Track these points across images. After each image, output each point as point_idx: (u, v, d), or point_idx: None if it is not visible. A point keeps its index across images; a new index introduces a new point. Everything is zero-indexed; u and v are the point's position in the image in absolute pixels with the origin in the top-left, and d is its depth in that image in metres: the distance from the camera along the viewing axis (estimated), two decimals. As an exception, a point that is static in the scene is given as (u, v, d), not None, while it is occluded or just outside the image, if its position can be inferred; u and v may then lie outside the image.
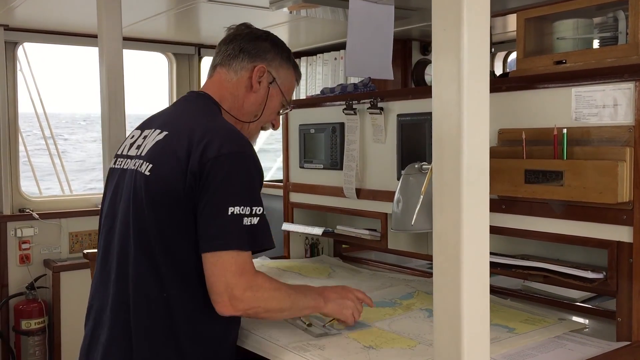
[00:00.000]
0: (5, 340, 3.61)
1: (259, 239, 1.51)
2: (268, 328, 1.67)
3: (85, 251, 2.57)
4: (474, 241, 1.04)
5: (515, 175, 1.63)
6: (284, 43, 1.86)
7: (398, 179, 1.97)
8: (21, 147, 3.88)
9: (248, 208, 1.48)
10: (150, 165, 1.56)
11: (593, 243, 1.59)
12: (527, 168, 1.61)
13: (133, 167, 1.62)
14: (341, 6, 2.63)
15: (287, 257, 2.68)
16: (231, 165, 1.50)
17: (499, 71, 3.89)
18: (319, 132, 2.46)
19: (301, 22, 3.25)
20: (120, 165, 1.70)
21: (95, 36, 2.31)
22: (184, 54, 4.27)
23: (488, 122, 1.06)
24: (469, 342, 1.03)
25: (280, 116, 1.92)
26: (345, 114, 2.31)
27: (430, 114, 1.07)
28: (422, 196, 1.71)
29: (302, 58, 3.85)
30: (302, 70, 3.73)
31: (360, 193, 2.28)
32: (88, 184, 15.54)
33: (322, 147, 2.45)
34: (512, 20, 2.97)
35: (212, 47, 4.28)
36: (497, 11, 2.72)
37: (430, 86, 1.07)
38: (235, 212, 1.47)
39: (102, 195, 1.80)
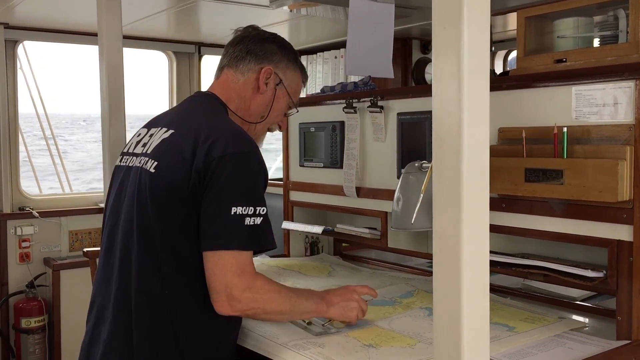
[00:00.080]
0: (5, 339, 3.62)
1: (261, 239, 1.51)
2: (268, 326, 1.67)
3: (85, 249, 2.57)
4: (473, 240, 1.04)
5: (515, 173, 1.63)
6: (290, 45, 1.87)
7: (398, 178, 1.97)
8: (22, 147, 3.88)
9: (251, 208, 1.49)
10: (156, 163, 1.57)
11: (593, 242, 1.59)
12: (527, 167, 1.61)
13: (138, 165, 1.63)
14: (341, 4, 2.63)
15: (287, 255, 2.68)
16: (236, 165, 1.51)
17: (499, 70, 3.89)
18: (319, 131, 2.46)
19: (301, 20, 3.25)
20: (126, 162, 1.71)
21: (96, 34, 2.31)
22: (184, 52, 4.26)
23: (488, 120, 1.06)
24: (468, 340, 1.03)
25: (287, 118, 1.93)
26: (346, 113, 2.31)
27: (430, 112, 1.07)
28: (422, 195, 1.71)
29: (302, 57, 3.85)
30: (302, 68, 3.72)
31: (360, 191, 2.28)
32: (89, 183, 15.54)
33: (322, 145, 2.45)
34: (512, 19, 2.96)
35: (212, 45, 4.28)
36: (498, 10, 2.72)
37: (431, 85, 1.06)
38: (238, 212, 1.47)
39: (102, 194, 1.80)
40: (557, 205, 1.62)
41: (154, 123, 1.76)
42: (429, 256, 2.22)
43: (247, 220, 1.48)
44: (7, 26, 3.55)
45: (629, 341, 1.53)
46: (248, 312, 1.52)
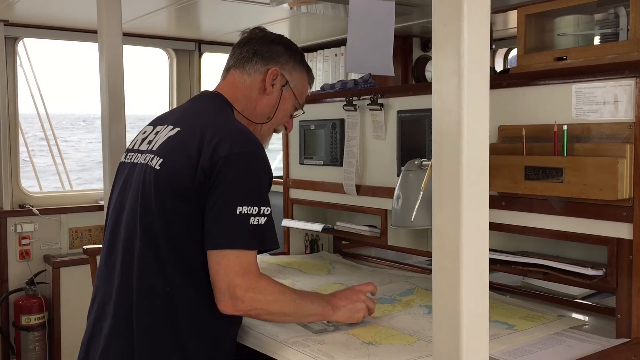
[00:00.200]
0: (5, 336, 3.62)
1: (265, 240, 1.52)
2: (267, 324, 1.67)
3: (85, 247, 2.58)
4: (473, 237, 1.04)
5: (515, 171, 1.63)
6: (297, 46, 1.87)
7: (398, 176, 1.97)
8: (22, 147, 3.88)
9: (256, 208, 1.49)
10: (161, 160, 1.57)
11: (593, 240, 1.59)
12: (527, 164, 1.61)
13: (143, 162, 1.63)
14: (342, 2, 2.63)
15: (287, 253, 2.68)
16: (242, 164, 1.51)
17: (499, 68, 3.89)
18: (319, 128, 2.45)
19: (301, 18, 3.24)
20: (131, 159, 1.71)
21: (96, 32, 2.31)
22: (184, 49, 4.26)
23: (488, 118, 1.05)
24: (468, 338, 1.03)
25: (293, 119, 1.94)
26: (346, 110, 2.31)
27: (430, 110, 1.07)
28: (421, 192, 1.71)
29: (302, 54, 3.84)
30: (303, 66, 3.71)
31: (360, 189, 2.28)
32: (91, 183, 15.52)
33: (322, 143, 2.44)
34: (513, 17, 2.96)
35: (212, 43, 4.27)
36: (498, 7, 2.72)
37: (431, 82, 1.06)
38: (243, 212, 1.48)
39: (102, 192, 1.80)
40: (557, 203, 1.62)
41: (160, 121, 1.76)
42: (428, 254, 2.22)
43: (252, 220, 1.49)
44: (7, 23, 3.55)
45: (628, 339, 1.53)
46: (251, 312, 1.52)
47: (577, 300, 1.90)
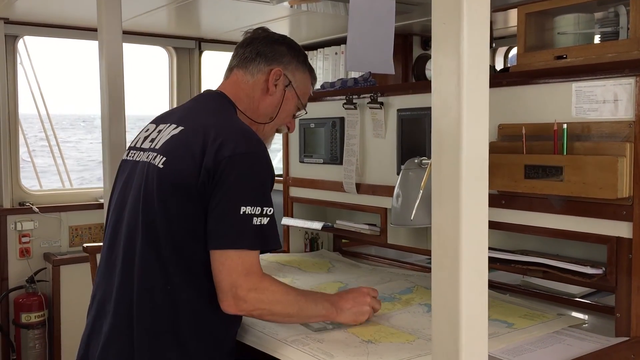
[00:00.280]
0: (5, 334, 3.62)
1: (267, 239, 1.52)
2: (267, 322, 1.67)
3: (85, 245, 2.58)
4: (472, 236, 1.04)
5: (515, 170, 1.63)
6: (300, 47, 1.88)
7: (398, 174, 1.97)
8: (23, 148, 3.88)
9: (259, 208, 1.50)
10: (164, 159, 1.57)
11: (592, 238, 1.59)
12: (527, 163, 1.61)
13: (146, 160, 1.63)
14: (342, 0, 2.62)
15: (287, 251, 2.68)
16: (245, 165, 1.52)
17: (500, 66, 3.88)
18: (319, 127, 2.45)
19: (302, 16, 3.24)
20: (133, 157, 1.71)
21: (96, 30, 2.31)
22: (184, 47, 4.26)
23: (487, 116, 1.05)
24: (467, 336, 1.03)
25: (295, 119, 1.94)
26: (346, 109, 2.31)
27: (430, 108, 1.07)
28: (421, 191, 1.71)
29: (302, 53, 3.84)
30: (303, 64, 3.71)
31: (360, 188, 2.28)
32: (93, 183, 15.50)
33: (322, 141, 2.44)
34: (513, 15, 2.95)
35: (212, 41, 4.27)
36: (498, 6, 2.71)
37: (431, 81, 1.06)
38: (247, 212, 1.48)
39: (102, 189, 1.80)
40: (557, 201, 1.62)
41: (163, 119, 1.76)
42: (428, 252, 2.22)
43: (255, 220, 1.49)
44: (7, 21, 3.55)
45: (627, 338, 1.53)
46: (254, 313, 1.52)
47: (577, 299, 1.90)
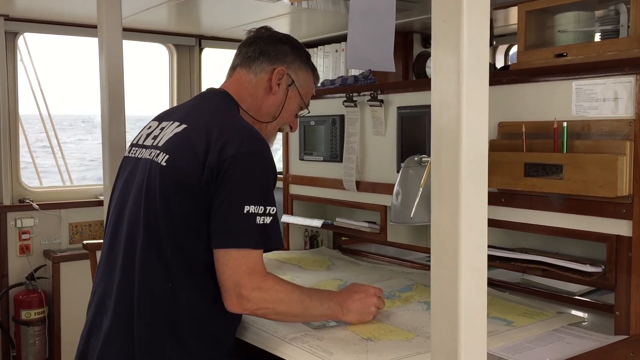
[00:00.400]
0: (5, 330, 3.62)
1: (270, 239, 1.52)
2: (267, 320, 1.67)
3: (85, 242, 2.58)
4: (472, 234, 1.04)
5: (515, 168, 1.63)
6: (303, 46, 1.88)
7: (398, 172, 1.97)
8: (23, 148, 3.88)
9: (262, 207, 1.49)
10: (167, 156, 1.57)
11: (592, 237, 1.59)
12: (526, 161, 1.61)
13: (148, 157, 1.63)
14: (342, -2, 2.62)
15: (287, 249, 2.68)
16: (249, 164, 1.52)
17: (500, 64, 3.88)
18: (319, 124, 2.45)
19: (302, 13, 3.24)
20: (135, 154, 1.71)
21: (96, 27, 2.30)
22: (184, 45, 4.26)
23: (487, 114, 1.05)
24: (466, 334, 1.03)
25: (298, 118, 1.94)
26: (346, 106, 2.31)
27: (430, 106, 1.07)
28: (421, 189, 1.71)
29: (303, 50, 3.83)
30: (303, 62, 3.71)
31: (359, 185, 2.28)
32: (96, 182, 15.45)
33: (322, 139, 2.44)
34: (513, 13, 2.95)
35: (212, 38, 4.27)
36: (499, 4, 2.71)
37: (431, 78, 1.06)
38: (250, 211, 1.48)
39: (102, 187, 1.80)
40: (557, 200, 1.62)
41: (165, 116, 1.76)
42: (428, 250, 2.22)
43: (258, 219, 1.49)
44: (7, 18, 3.55)
45: (626, 336, 1.53)
46: (258, 312, 1.52)
47: (576, 297, 1.90)
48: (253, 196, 1.50)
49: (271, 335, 1.59)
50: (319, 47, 3.74)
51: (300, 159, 2.56)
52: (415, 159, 1.87)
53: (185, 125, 1.63)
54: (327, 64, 3.69)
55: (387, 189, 2.11)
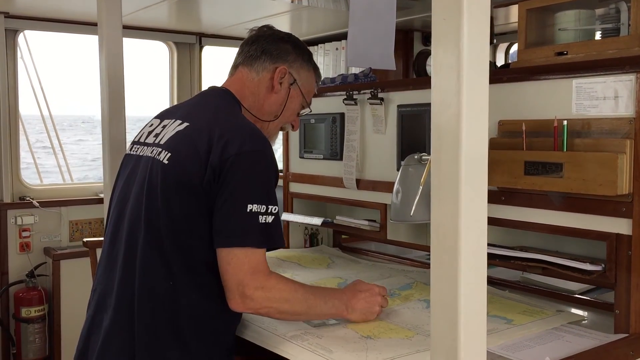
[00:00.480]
0: (5, 328, 3.63)
1: (272, 238, 1.52)
2: (266, 317, 1.67)
3: (85, 239, 2.58)
4: (472, 232, 1.04)
5: (515, 166, 1.63)
6: (305, 45, 1.87)
7: (398, 170, 1.97)
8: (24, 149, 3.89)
9: (264, 206, 1.49)
10: (169, 154, 1.57)
11: (592, 235, 1.59)
12: (526, 159, 1.61)
13: (150, 155, 1.63)
14: (342, -5, 2.62)
15: (287, 247, 2.68)
16: (251, 163, 1.51)
17: (500, 62, 3.88)
18: (319, 122, 2.45)
19: (303, 11, 3.24)
20: (137, 152, 1.71)
21: (96, 24, 2.30)
22: (185, 42, 4.25)
23: (487, 113, 1.05)
24: (466, 332, 1.03)
25: (299, 117, 1.93)
26: (346, 104, 2.30)
27: (430, 104, 1.07)
28: (421, 187, 1.71)
29: (303, 48, 3.83)
30: (303, 60, 3.71)
31: (359, 183, 2.28)
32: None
33: (322, 137, 2.44)
34: (514, 11, 2.95)
35: (213, 36, 4.27)
36: (499, 2, 2.71)
37: (431, 77, 1.06)
38: (253, 210, 1.48)
39: (102, 184, 1.80)
40: (557, 198, 1.62)
41: (167, 114, 1.76)
42: (428, 248, 2.20)
43: (260, 218, 1.49)
44: (7, 15, 3.55)
45: (626, 334, 1.53)
46: (261, 311, 1.52)
47: (576, 296, 1.90)
48: (255, 195, 1.49)
49: (271, 333, 1.59)
50: (319, 45, 3.74)
51: (300, 157, 2.56)
52: (416, 157, 1.87)
53: (188, 124, 1.62)
54: (327, 62, 3.68)
55: (387, 187, 2.11)
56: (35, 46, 4.52)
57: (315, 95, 2.45)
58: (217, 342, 1.58)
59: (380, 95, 2.18)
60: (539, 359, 1.41)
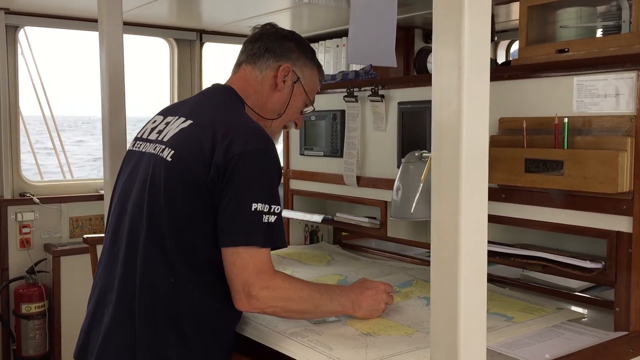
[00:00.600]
0: (6, 324, 3.63)
1: (274, 238, 1.52)
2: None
3: (85, 236, 2.58)
4: (472, 230, 1.04)
5: (515, 164, 1.63)
6: (308, 43, 1.87)
7: (398, 167, 1.97)
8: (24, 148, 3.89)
9: (267, 206, 1.49)
10: (173, 152, 1.57)
11: (592, 233, 1.59)
12: (527, 157, 1.61)
13: (152, 152, 1.63)
14: (343, -8, 2.62)
15: (287, 244, 2.68)
16: (255, 162, 1.51)
17: (502, 60, 3.88)
18: (319, 120, 2.45)
19: (304, 8, 3.23)
20: (139, 148, 1.71)
21: (96, 20, 2.30)
22: (185, 39, 4.25)
23: (488, 110, 1.05)
24: (465, 330, 1.03)
25: (303, 116, 1.93)
26: (346, 102, 2.30)
27: (431, 102, 1.06)
28: (421, 184, 1.71)
29: (303, 45, 3.82)
30: (304, 57, 3.70)
31: (360, 181, 2.28)
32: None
33: (322, 134, 2.44)
34: (515, 9, 2.94)
35: (213, 33, 4.26)
36: (501, -1, 2.71)
37: (432, 74, 1.06)
38: (257, 209, 1.48)
39: (102, 181, 1.80)
40: (557, 196, 1.62)
41: (171, 111, 1.76)
42: (428, 246, 2.22)
43: (264, 218, 1.49)
44: (7, 11, 3.54)
45: (626, 332, 1.53)
46: (267, 311, 1.52)
47: (576, 293, 1.90)
48: (259, 194, 1.49)
49: (271, 330, 1.59)
50: (320, 42, 3.73)
51: (300, 154, 2.56)
52: (416, 154, 1.87)
53: (192, 121, 1.62)
54: (328, 59, 3.67)
55: (387, 184, 2.11)
56: (36, 42, 4.52)
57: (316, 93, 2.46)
58: (217, 339, 1.58)
59: (380, 92, 2.18)
60: (538, 357, 1.41)
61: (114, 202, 1.72)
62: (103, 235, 1.77)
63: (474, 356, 1.06)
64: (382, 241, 2.54)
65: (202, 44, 4.31)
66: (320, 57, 3.70)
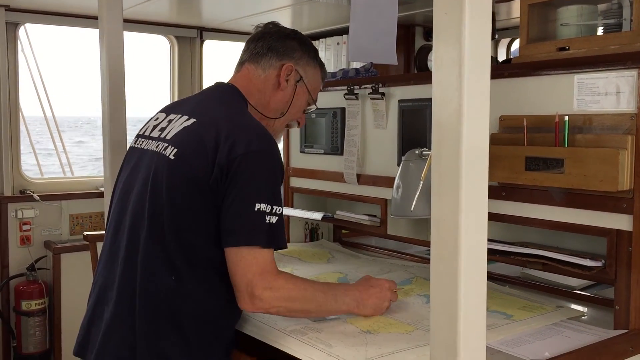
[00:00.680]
0: (6, 321, 3.64)
1: (276, 238, 1.52)
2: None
3: (85, 233, 2.58)
4: (472, 227, 1.04)
5: (515, 162, 1.63)
6: (310, 42, 1.87)
7: (398, 165, 1.97)
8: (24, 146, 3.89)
9: (269, 206, 1.50)
10: (176, 150, 1.56)
11: (593, 231, 1.59)
12: (527, 155, 1.61)
13: (155, 149, 1.62)
14: (344, -10, 2.61)
15: (287, 241, 2.68)
16: (259, 162, 1.51)
17: (502, 58, 3.87)
18: (320, 117, 2.45)
19: (304, 5, 3.23)
20: (141, 145, 1.71)
21: (97, 17, 2.30)
22: (185, 37, 4.24)
23: (488, 108, 1.05)
24: (465, 328, 1.03)
25: (305, 114, 1.93)
26: (347, 99, 2.30)
27: (431, 99, 1.06)
28: (421, 182, 1.71)
29: (304, 42, 3.82)
30: (305, 54, 3.70)
31: (360, 178, 2.28)
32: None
33: (323, 132, 2.44)
34: (516, 7, 2.94)
35: (214, 30, 4.26)
36: (502, -3, 2.70)
37: (432, 72, 1.06)
38: (260, 209, 1.48)
39: (103, 178, 1.79)
40: (557, 194, 1.62)
41: (173, 109, 1.75)
42: (428, 244, 2.21)
43: (267, 218, 1.49)
44: (8, 8, 3.54)
45: (626, 330, 1.53)
46: (271, 311, 1.52)
47: (576, 292, 1.90)
48: (262, 194, 1.49)
49: (271, 328, 1.59)
50: (321, 39, 3.73)
51: (301, 152, 2.56)
52: (416, 152, 1.87)
53: (195, 120, 1.62)
54: (328, 57, 3.67)
55: (387, 182, 2.11)
56: (36, 39, 4.52)
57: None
58: (217, 337, 1.58)
59: (381, 90, 2.18)
60: (538, 355, 1.41)
61: (115, 199, 1.72)
62: (103, 232, 1.77)
63: (474, 354, 1.06)
64: (382, 239, 2.54)
65: (202, 42, 4.30)
66: (321, 54, 3.67)
